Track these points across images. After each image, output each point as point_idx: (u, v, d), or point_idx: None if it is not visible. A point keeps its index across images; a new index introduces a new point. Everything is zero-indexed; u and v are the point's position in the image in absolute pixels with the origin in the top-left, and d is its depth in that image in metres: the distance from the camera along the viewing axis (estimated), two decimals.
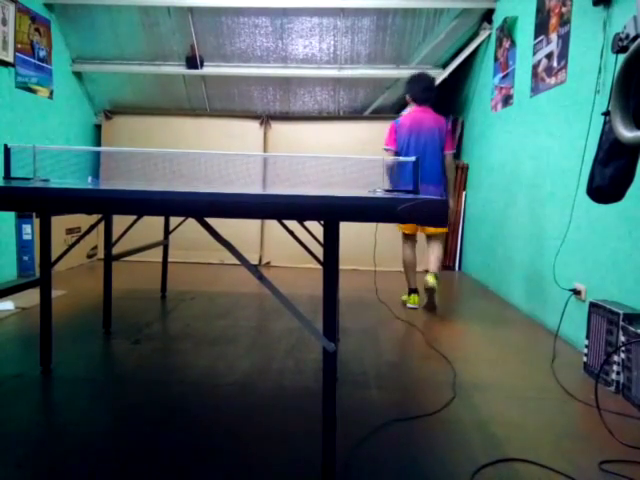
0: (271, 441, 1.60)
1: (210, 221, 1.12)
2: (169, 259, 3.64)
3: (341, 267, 1.46)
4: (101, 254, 4.73)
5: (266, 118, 5.05)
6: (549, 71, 3.03)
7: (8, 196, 1.01)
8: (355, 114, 5.18)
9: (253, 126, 5.04)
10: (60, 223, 4.26)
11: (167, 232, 3.50)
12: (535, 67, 3.25)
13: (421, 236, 3.53)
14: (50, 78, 4.40)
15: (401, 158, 3.24)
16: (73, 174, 4.52)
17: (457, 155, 5.10)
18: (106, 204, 1.05)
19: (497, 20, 4.19)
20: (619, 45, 1.85)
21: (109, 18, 4.51)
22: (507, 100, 3.79)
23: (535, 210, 3.22)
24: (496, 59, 4.12)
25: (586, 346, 2.26)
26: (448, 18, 4.41)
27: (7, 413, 1.74)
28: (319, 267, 1.38)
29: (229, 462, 1.48)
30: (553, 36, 2.98)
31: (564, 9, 2.84)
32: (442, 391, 2.01)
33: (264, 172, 4.91)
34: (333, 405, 1.25)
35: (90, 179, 3.34)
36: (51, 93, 4.41)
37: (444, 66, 4.80)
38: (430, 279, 3.23)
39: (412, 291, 3.45)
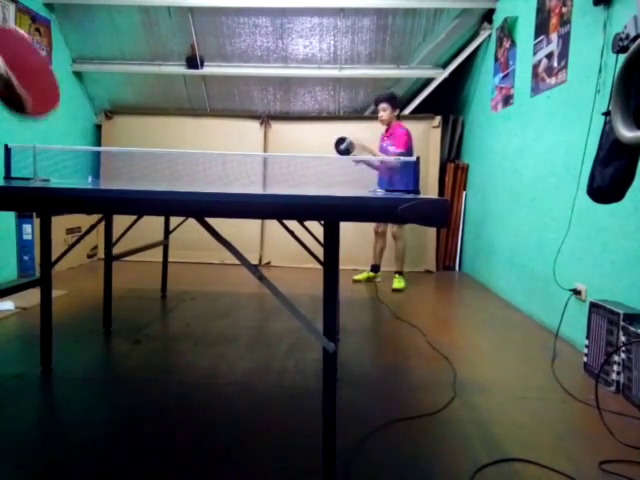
0: (271, 441, 1.60)
1: (210, 221, 1.12)
2: (169, 259, 3.64)
3: (341, 267, 1.46)
4: (101, 254, 4.73)
5: (266, 118, 5.05)
6: (549, 71, 3.03)
7: (8, 196, 1.01)
8: (355, 114, 5.18)
9: (253, 126, 5.04)
10: (60, 223, 4.26)
11: (167, 232, 3.50)
12: (535, 67, 3.25)
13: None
14: None
15: (402, 158, 3.36)
16: (73, 174, 4.52)
17: (457, 155, 5.11)
18: (106, 204, 1.05)
19: (497, 20, 4.19)
20: (619, 45, 1.85)
21: (109, 18, 4.51)
22: (507, 100, 3.79)
23: (535, 210, 3.22)
24: (496, 59, 4.12)
25: (586, 346, 2.26)
26: (448, 18, 4.41)
27: (7, 413, 1.74)
28: (319, 267, 1.38)
29: (229, 462, 1.48)
30: (553, 36, 2.98)
31: (564, 9, 2.84)
32: (442, 391, 2.01)
33: (264, 172, 4.90)
34: (333, 405, 1.24)
35: (90, 179, 3.34)
36: None
37: (444, 66, 4.80)
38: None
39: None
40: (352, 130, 4.40)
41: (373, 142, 3.96)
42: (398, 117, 4.03)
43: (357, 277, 4.24)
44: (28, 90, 1.18)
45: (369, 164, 3.91)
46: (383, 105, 3.94)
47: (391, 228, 4.07)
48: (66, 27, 4.57)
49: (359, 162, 3.84)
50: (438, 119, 4.87)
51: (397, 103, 4.02)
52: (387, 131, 4.01)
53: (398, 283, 4.00)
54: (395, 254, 4.11)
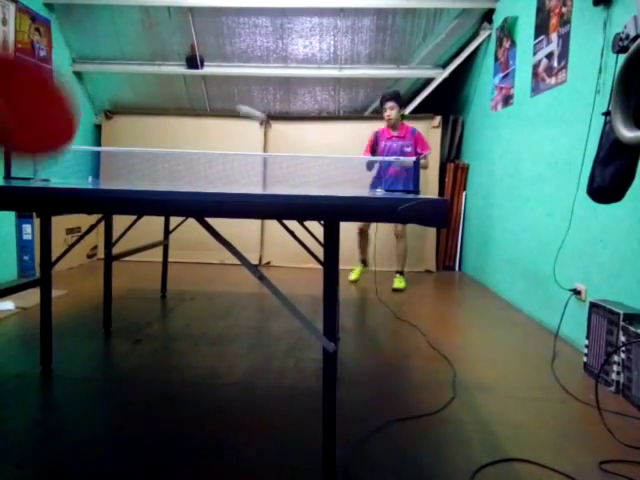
0: (271, 441, 1.60)
1: (210, 221, 1.12)
2: (169, 259, 3.64)
3: (341, 267, 1.46)
4: (101, 254, 4.72)
5: (266, 118, 5.05)
6: (549, 71, 3.03)
7: (9, 196, 1.01)
8: (355, 114, 5.18)
9: (253, 126, 5.04)
10: (60, 223, 4.26)
11: (167, 232, 3.50)
12: (535, 67, 3.25)
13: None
14: None
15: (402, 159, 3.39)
16: (73, 174, 4.52)
17: (457, 155, 5.11)
18: (106, 204, 1.05)
19: (497, 20, 4.19)
20: (619, 45, 1.85)
21: (109, 18, 4.52)
22: (507, 100, 3.79)
23: (535, 210, 3.22)
24: (496, 59, 4.12)
25: (586, 346, 2.26)
26: (448, 18, 4.41)
27: (7, 413, 1.74)
28: (319, 267, 1.38)
29: (230, 462, 1.48)
30: (553, 36, 2.98)
31: (564, 9, 2.84)
32: (442, 391, 2.01)
33: (264, 172, 4.90)
34: (333, 405, 1.25)
35: (90, 179, 3.34)
36: None
37: (444, 66, 4.80)
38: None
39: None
40: (351, 130, 4.41)
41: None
42: (402, 117, 3.96)
43: (352, 277, 4.23)
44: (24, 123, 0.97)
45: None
46: (390, 104, 3.83)
47: (395, 228, 4.04)
48: (66, 27, 4.57)
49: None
50: (438, 119, 4.87)
51: (402, 102, 3.96)
52: (393, 131, 3.92)
53: (399, 283, 3.98)
54: (398, 253, 4.09)
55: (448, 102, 5.23)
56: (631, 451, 1.58)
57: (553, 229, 2.91)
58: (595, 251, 2.47)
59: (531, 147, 3.32)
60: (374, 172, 3.96)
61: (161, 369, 2.20)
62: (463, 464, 1.48)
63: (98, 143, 5.16)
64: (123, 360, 2.31)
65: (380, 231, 4.22)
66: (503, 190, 3.86)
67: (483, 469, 1.45)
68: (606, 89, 2.34)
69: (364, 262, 4.30)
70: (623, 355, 2.00)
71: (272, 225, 4.80)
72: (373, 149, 3.93)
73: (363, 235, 4.18)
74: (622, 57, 1.71)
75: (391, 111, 3.85)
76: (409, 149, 3.82)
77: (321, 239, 1.36)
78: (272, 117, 5.09)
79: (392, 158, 3.64)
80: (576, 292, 2.60)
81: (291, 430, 1.67)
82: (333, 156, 4.49)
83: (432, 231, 4.87)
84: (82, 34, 4.65)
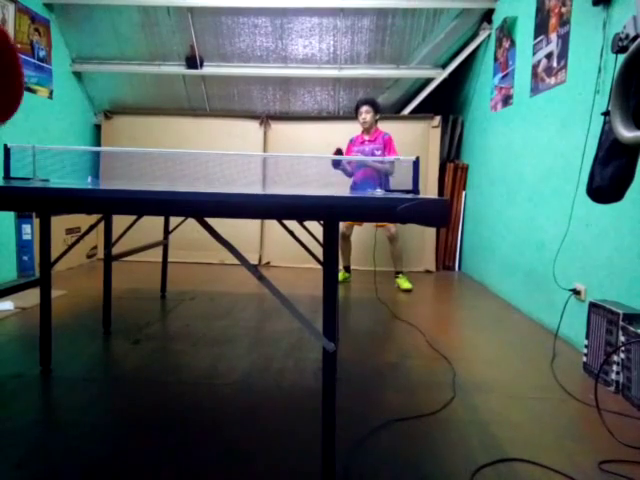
0: (271, 441, 1.60)
1: (210, 221, 1.12)
2: (169, 259, 3.64)
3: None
4: (101, 254, 4.73)
5: (266, 118, 5.05)
6: (549, 71, 3.03)
7: (8, 196, 1.01)
8: (355, 114, 5.17)
9: (253, 126, 5.04)
10: (60, 223, 4.26)
11: (167, 232, 3.50)
12: (535, 67, 3.25)
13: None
14: (50, 78, 4.39)
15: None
16: (73, 174, 4.52)
17: (457, 155, 5.11)
18: (106, 204, 1.06)
19: (497, 20, 4.19)
20: (619, 45, 1.85)
21: (109, 18, 4.51)
22: (507, 100, 3.79)
23: (535, 210, 3.22)
24: (496, 59, 4.12)
25: (586, 346, 2.26)
26: (448, 18, 4.41)
27: (7, 413, 1.74)
28: (319, 267, 1.38)
29: (229, 462, 1.48)
30: (553, 36, 2.98)
31: (564, 9, 2.84)
32: (442, 391, 2.01)
33: (264, 172, 4.90)
34: (333, 405, 1.25)
35: (90, 179, 3.35)
36: (51, 93, 4.41)
37: (444, 66, 4.80)
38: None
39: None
40: (351, 130, 4.41)
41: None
42: (376, 122, 4.03)
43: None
44: None
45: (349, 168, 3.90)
46: (366, 107, 3.94)
47: (387, 231, 4.00)
48: (65, 27, 4.57)
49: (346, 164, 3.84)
50: (438, 119, 4.87)
51: (379, 108, 4.04)
52: (366, 135, 4.01)
53: (406, 283, 3.98)
54: (395, 254, 4.08)
55: (448, 102, 5.23)
56: (631, 451, 1.58)
57: (553, 229, 2.91)
58: (594, 251, 2.47)
59: (530, 147, 3.32)
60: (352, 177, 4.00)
61: (161, 369, 2.20)
62: (462, 464, 1.48)
63: (98, 143, 5.16)
64: (123, 360, 2.31)
65: (381, 231, 4.21)
66: (503, 190, 3.86)
67: (482, 469, 1.45)
68: (605, 89, 2.35)
69: (347, 269, 4.27)
70: (623, 355, 2.00)
71: (272, 225, 4.80)
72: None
73: (345, 239, 4.13)
74: (621, 57, 1.71)
75: (366, 115, 3.93)
76: (379, 152, 3.88)
77: (321, 239, 1.36)
78: (272, 117, 5.09)
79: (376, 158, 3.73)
80: (576, 292, 2.60)
81: (291, 430, 1.67)
82: (333, 156, 4.48)
83: (432, 231, 4.87)
84: (82, 34, 4.65)
